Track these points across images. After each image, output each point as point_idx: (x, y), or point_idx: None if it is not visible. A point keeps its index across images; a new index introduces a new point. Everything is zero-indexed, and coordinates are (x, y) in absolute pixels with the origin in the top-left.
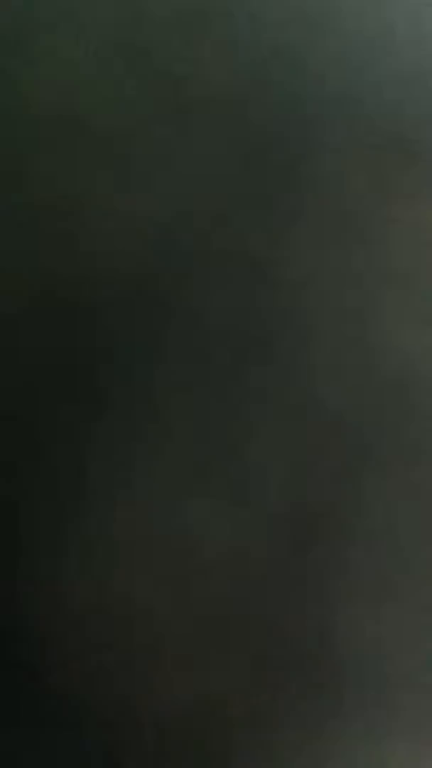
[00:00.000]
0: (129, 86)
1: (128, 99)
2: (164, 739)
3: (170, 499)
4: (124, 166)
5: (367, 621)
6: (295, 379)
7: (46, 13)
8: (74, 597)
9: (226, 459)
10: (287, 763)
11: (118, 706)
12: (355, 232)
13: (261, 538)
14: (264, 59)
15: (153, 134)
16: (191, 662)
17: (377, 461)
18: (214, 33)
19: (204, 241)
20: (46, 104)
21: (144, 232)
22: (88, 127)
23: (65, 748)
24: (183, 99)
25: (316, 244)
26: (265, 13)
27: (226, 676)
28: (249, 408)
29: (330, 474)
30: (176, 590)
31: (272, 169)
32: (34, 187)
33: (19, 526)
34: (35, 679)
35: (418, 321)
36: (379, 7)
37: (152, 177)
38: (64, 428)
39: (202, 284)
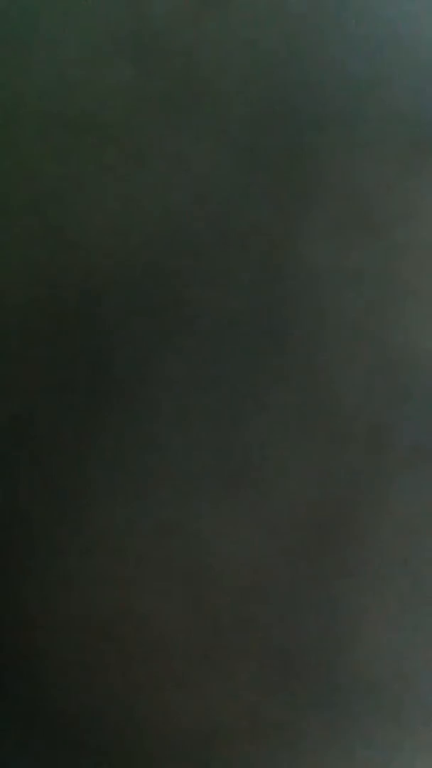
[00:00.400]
0: (130, 74)
1: (131, 90)
2: (167, 752)
3: (177, 504)
4: (125, 155)
5: (387, 634)
6: (310, 379)
7: (46, 3)
8: (74, 605)
9: (237, 462)
10: None
11: (119, 717)
12: (376, 223)
13: (274, 545)
14: (279, 44)
15: (156, 122)
16: (196, 674)
17: (398, 463)
18: (225, 18)
19: (211, 234)
20: (45, 96)
21: (146, 225)
22: (88, 119)
23: (64, 761)
24: (189, 83)
25: (333, 235)
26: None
27: (233, 689)
28: (262, 409)
29: (349, 477)
30: (182, 600)
31: (287, 160)
32: (30, 181)
33: (18, 531)
34: (32, 687)
35: None
36: None
37: (155, 167)
38: (64, 429)
39: (210, 279)
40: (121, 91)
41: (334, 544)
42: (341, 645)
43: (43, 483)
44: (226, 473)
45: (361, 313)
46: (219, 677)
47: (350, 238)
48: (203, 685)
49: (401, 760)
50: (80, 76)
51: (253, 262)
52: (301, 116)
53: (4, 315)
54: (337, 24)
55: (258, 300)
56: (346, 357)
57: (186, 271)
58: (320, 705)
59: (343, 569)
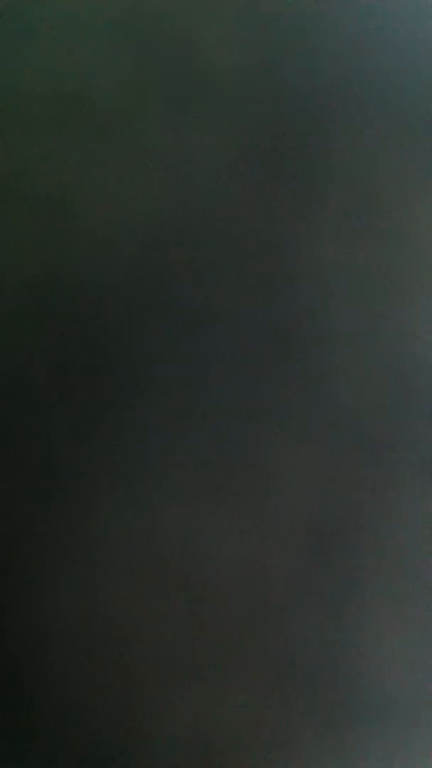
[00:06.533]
0: (130, 69)
1: (130, 82)
2: (164, 760)
3: (177, 508)
4: (126, 152)
5: (389, 642)
6: (314, 384)
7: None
8: (72, 613)
9: (239, 467)
10: None
11: (117, 730)
12: (382, 223)
13: (276, 553)
14: (280, 36)
15: (157, 118)
16: (198, 686)
17: (403, 471)
18: (225, 15)
19: (214, 233)
20: (43, 89)
21: (147, 223)
22: (87, 113)
23: (63, 765)
24: (189, 79)
25: (338, 236)
26: None
27: (231, 698)
28: (264, 413)
29: (353, 484)
30: (183, 607)
31: (290, 154)
32: (29, 175)
33: (17, 538)
34: (30, 693)
35: None
36: None
37: (156, 163)
38: (62, 436)
39: (213, 280)
40: (121, 88)
41: (335, 555)
42: (342, 654)
43: (42, 490)
44: (226, 482)
45: (367, 316)
46: (217, 686)
47: (354, 238)
48: (201, 693)
49: None
50: (79, 71)
51: (255, 263)
52: (305, 115)
53: (3, 317)
54: (339, 21)
55: (260, 303)
56: (351, 362)
57: (187, 272)
58: (319, 714)
59: (344, 579)
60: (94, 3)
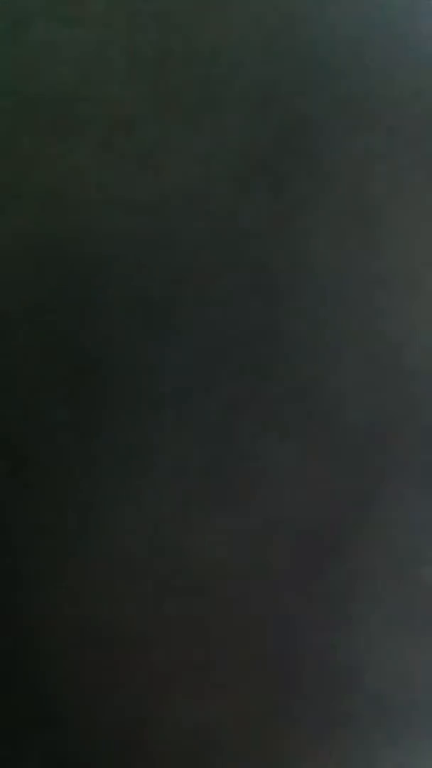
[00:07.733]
0: (129, 67)
1: (129, 80)
2: (164, 764)
3: (173, 516)
4: (122, 152)
5: (388, 644)
6: (313, 386)
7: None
8: (71, 617)
9: (240, 469)
10: None
11: (115, 732)
12: (381, 226)
13: (275, 556)
14: (279, 31)
15: (154, 120)
16: (193, 687)
17: (404, 472)
18: (223, 9)
19: (210, 236)
20: (42, 86)
21: (144, 224)
22: (85, 111)
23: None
24: (189, 81)
25: (336, 238)
26: None
27: (230, 703)
28: (265, 414)
29: (353, 486)
30: (181, 607)
31: (287, 155)
32: (28, 175)
33: (17, 534)
34: (30, 697)
35: None
36: None
37: (153, 163)
38: (58, 440)
39: (209, 282)
40: (118, 89)
41: (333, 557)
42: (340, 657)
43: (40, 493)
44: (222, 485)
45: (362, 316)
46: (216, 690)
47: (349, 238)
48: (200, 698)
49: None
50: (78, 73)
51: (251, 263)
52: (301, 116)
53: (1, 311)
54: (338, 20)
55: (256, 305)
56: (347, 363)
57: (183, 274)
58: (319, 716)
59: (341, 581)
60: (95, 3)
